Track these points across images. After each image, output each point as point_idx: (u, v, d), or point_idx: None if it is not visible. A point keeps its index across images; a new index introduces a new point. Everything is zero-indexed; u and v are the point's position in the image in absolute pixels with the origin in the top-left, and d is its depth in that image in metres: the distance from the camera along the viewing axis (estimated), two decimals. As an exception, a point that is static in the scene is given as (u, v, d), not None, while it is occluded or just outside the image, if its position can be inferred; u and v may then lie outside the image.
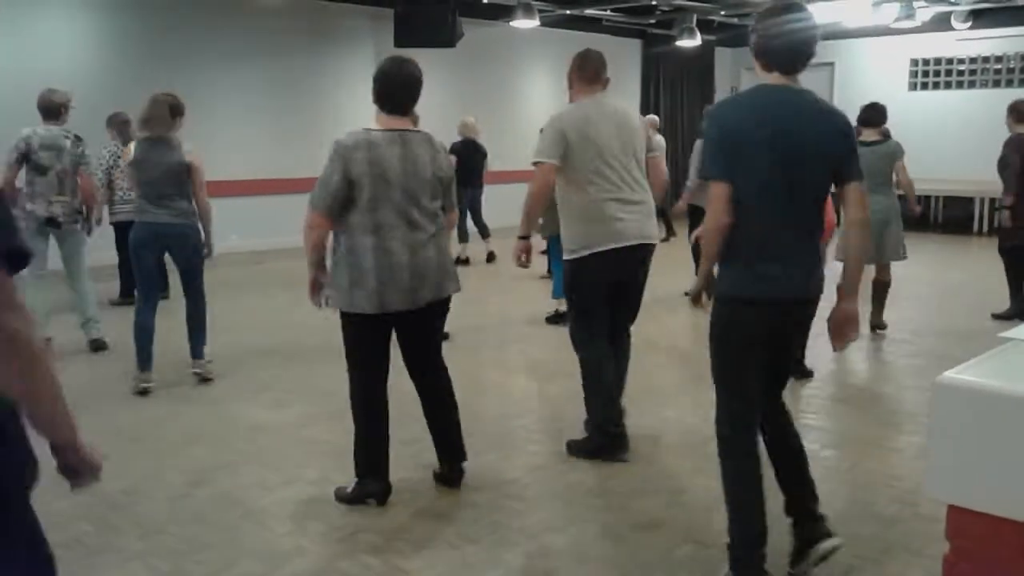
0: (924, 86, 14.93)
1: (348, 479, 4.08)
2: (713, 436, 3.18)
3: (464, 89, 12.94)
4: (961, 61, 14.45)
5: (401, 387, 4.06)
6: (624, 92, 14.39)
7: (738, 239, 2.89)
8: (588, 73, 4.48)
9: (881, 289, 6.96)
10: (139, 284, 5.50)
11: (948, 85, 14.71)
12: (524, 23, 11.70)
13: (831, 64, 15.74)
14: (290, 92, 11.71)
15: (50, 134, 6.20)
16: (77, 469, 1.79)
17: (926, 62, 14.83)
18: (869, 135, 6.57)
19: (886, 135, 6.72)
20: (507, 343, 6.94)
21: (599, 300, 4.31)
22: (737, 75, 17.30)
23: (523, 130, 12.47)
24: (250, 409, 5.19)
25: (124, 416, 5.01)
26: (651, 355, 6.23)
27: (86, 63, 9.96)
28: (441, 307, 3.91)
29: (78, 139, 6.36)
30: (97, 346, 6.46)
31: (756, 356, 3.01)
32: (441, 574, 3.25)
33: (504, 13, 11.78)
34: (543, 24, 12.41)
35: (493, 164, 10.97)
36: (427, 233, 3.74)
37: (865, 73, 15.11)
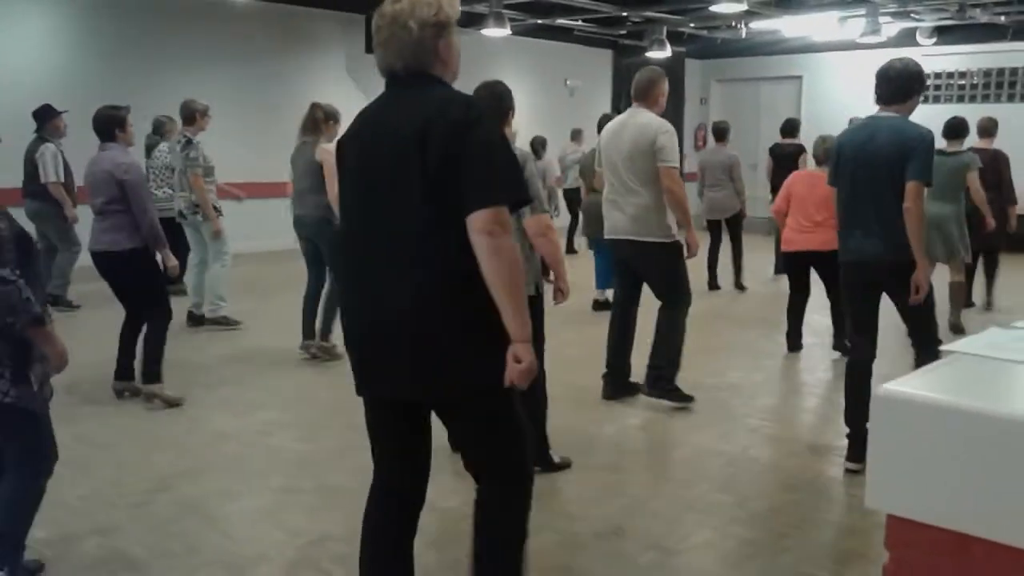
0: (889, 100, 15.13)
1: (313, 486, 4.09)
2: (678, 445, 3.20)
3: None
4: (926, 76, 14.68)
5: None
6: (595, 102, 14.49)
7: None
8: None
9: (955, 290, 7.44)
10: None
11: (913, 99, 14.93)
12: (495, 32, 11.73)
13: (799, 77, 15.96)
14: (261, 96, 11.66)
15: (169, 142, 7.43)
16: (518, 358, 2.34)
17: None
18: (953, 146, 7.31)
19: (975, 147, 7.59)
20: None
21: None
22: (707, 86, 17.47)
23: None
24: (215, 416, 5.16)
25: (89, 422, 4.96)
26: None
27: (57, 64, 9.85)
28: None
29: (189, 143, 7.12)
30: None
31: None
32: (404, 582, 3.25)
33: (475, 21, 11.80)
34: (515, 33, 12.46)
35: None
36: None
37: (832, 87, 15.31)
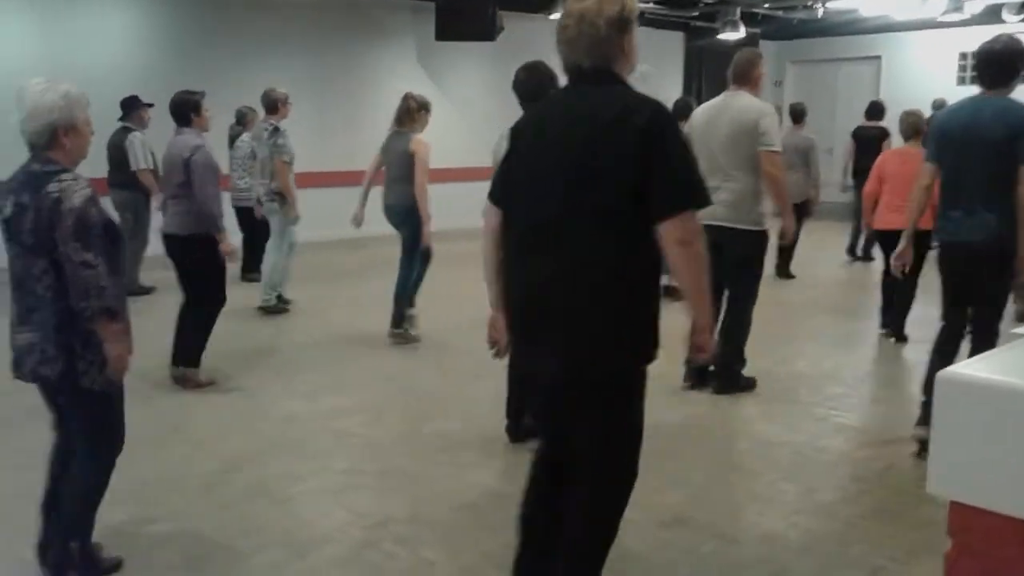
0: (974, 80, 14.58)
1: (378, 469, 4.16)
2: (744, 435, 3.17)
3: (504, 82, 12.84)
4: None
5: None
6: (666, 86, 14.31)
7: None
8: None
9: None
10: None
11: (998, 79, 14.38)
12: (565, 17, 11.68)
13: (878, 58, 15.49)
14: (331, 86, 11.81)
15: (257, 128, 7.57)
16: (700, 347, 2.55)
17: (975, 56, 14.50)
18: None
19: None
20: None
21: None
22: (782, 68, 17.08)
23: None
24: (283, 400, 5.27)
25: (161, 404, 5.12)
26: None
27: (125, 59, 10.11)
28: None
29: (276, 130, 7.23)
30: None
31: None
32: (465, 566, 3.29)
33: (544, 6, 11.75)
34: (584, 18, 12.37)
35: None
36: None
37: (913, 67, 14.83)
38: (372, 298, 6.64)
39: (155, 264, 8.26)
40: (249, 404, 5.18)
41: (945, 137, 4.28)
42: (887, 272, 6.73)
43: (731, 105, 5.10)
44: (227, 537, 3.50)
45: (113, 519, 3.54)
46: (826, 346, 6.61)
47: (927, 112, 7.53)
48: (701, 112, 5.30)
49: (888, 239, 6.62)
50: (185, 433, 4.69)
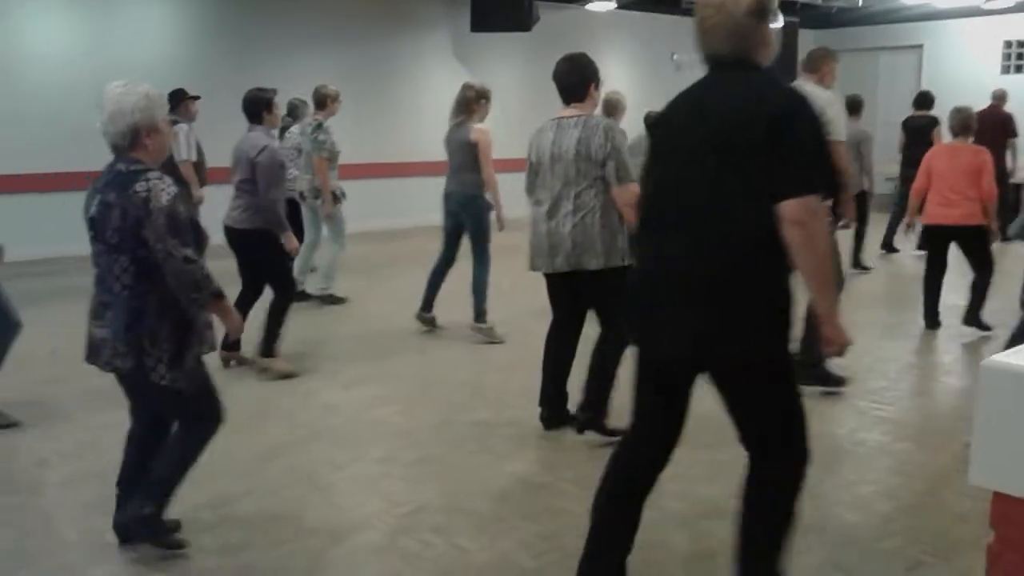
0: (1018, 69, 14.32)
1: (414, 457, 4.19)
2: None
3: (540, 73, 12.77)
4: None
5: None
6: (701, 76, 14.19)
7: None
8: None
9: None
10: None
11: (1044, 68, 14.11)
12: (601, 6, 11.64)
13: (920, 46, 15.24)
14: (367, 78, 11.87)
15: (304, 123, 7.64)
16: (828, 339, 2.50)
17: (1020, 44, 14.22)
18: None
19: None
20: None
21: None
22: (821, 58, 16.87)
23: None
24: (324, 389, 5.33)
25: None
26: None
27: (164, 52, 10.25)
28: (587, 277, 4.20)
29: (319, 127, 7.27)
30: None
31: None
32: (500, 553, 3.30)
33: (581, -4, 11.74)
34: (619, 7, 12.31)
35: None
36: (565, 209, 4.14)
37: (956, 56, 14.57)
38: (410, 289, 6.68)
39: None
40: (289, 393, 5.24)
41: None
42: (931, 267, 6.63)
43: None
44: (266, 522, 3.55)
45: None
46: (869, 338, 6.52)
47: (980, 104, 7.34)
48: None
49: (933, 235, 6.55)
50: (226, 420, 4.74)
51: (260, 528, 3.50)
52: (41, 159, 9.45)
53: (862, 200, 9.24)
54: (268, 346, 5.52)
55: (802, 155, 2.38)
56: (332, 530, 3.48)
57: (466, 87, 6.34)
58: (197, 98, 8.27)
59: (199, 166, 8.13)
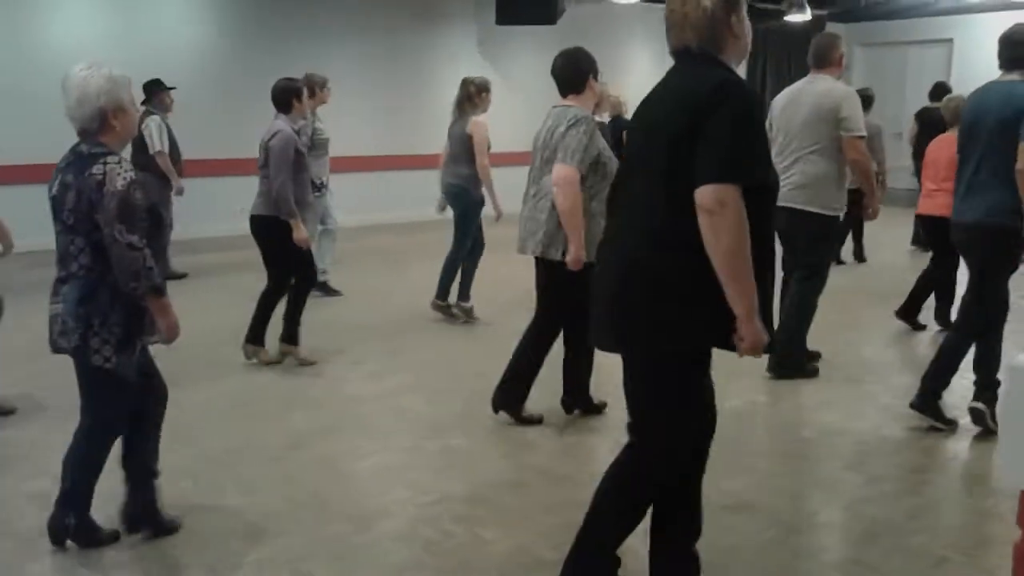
0: (1051, 63, 14.12)
1: (438, 447, 4.21)
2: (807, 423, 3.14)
3: (565, 67, 12.88)
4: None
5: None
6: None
7: None
8: None
9: None
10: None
11: (1078, 62, 13.88)
12: (626, -1, 11.58)
13: (950, 41, 15.07)
14: (393, 71, 11.89)
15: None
16: (741, 337, 2.42)
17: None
18: None
19: None
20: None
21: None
22: (849, 51, 16.61)
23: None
24: (350, 378, 5.36)
25: (229, 381, 5.25)
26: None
27: (194, 44, 10.32)
28: (549, 264, 4.25)
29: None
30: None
31: None
32: (520, 544, 3.31)
33: (606, -11, 11.69)
34: (644, 0, 12.26)
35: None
36: (530, 193, 4.32)
37: (986, 50, 14.30)
38: (431, 280, 6.71)
39: (184, 249, 8.44)
40: (314, 383, 5.28)
41: None
42: (936, 260, 6.50)
43: (812, 89, 5.05)
44: (290, 508, 3.58)
45: (179, 489, 3.66)
46: (893, 333, 6.49)
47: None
48: (782, 96, 5.25)
49: (926, 226, 6.46)
50: (251, 409, 4.80)
51: (285, 515, 3.53)
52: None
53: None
54: (288, 334, 5.56)
55: (720, 144, 2.34)
56: (355, 518, 3.51)
57: (464, 83, 6.43)
58: (172, 88, 8.24)
59: (173, 158, 8.06)
